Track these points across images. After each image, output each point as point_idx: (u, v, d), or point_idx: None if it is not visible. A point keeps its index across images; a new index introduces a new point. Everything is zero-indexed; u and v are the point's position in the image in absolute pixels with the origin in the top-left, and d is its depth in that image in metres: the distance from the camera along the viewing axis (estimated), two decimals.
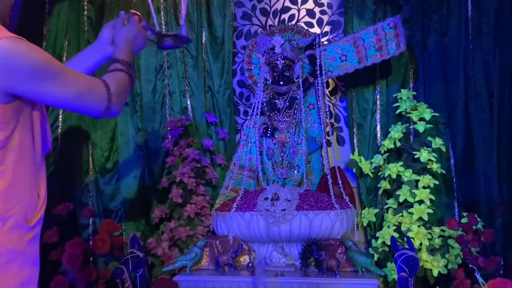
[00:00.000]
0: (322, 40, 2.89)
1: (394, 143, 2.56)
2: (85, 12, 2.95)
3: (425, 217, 2.37)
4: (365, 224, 2.63)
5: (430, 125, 2.56)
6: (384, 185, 2.55)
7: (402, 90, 2.64)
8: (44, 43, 2.88)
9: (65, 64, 1.43)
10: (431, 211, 2.39)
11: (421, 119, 2.56)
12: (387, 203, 2.54)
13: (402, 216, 2.42)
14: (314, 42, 2.68)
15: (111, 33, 1.44)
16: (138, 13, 1.47)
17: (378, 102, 2.79)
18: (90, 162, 2.90)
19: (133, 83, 1.34)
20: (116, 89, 1.23)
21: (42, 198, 1.19)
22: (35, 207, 1.15)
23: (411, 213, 2.40)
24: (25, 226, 1.12)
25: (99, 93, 1.19)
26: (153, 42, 1.50)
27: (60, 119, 2.89)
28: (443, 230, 2.39)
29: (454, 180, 2.62)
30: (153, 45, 1.50)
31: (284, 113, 2.69)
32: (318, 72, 2.62)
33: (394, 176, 2.49)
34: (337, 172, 2.50)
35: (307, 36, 2.80)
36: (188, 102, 2.97)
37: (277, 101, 2.71)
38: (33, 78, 1.06)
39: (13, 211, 1.08)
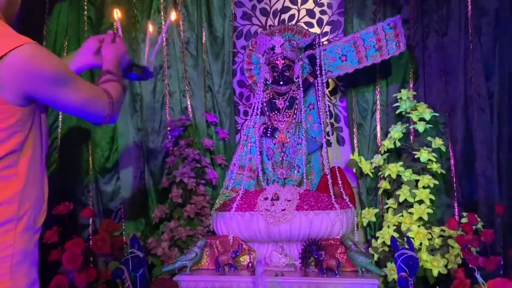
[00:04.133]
0: (322, 40, 2.89)
1: (394, 143, 2.56)
2: (85, 12, 2.95)
3: (425, 217, 2.37)
4: (365, 224, 2.63)
5: (430, 125, 2.56)
6: (384, 185, 2.55)
7: (402, 90, 2.64)
8: (44, 43, 2.88)
9: None
10: (431, 211, 2.39)
11: (421, 119, 2.56)
12: (387, 203, 2.54)
13: (402, 216, 2.42)
14: (314, 42, 2.69)
15: (95, 45, 1.49)
16: (120, 35, 1.55)
17: (378, 102, 2.79)
18: (90, 162, 2.90)
19: (125, 93, 1.41)
20: (115, 98, 1.30)
21: (46, 200, 1.21)
22: (41, 209, 1.18)
23: (411, 213, 2.40)
24: (34, 227, 1.14)
25: (103, 100, 1.26)
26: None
27: (60, 119, 2.89)
28: (443, 230, 2.39)
29: (454, 180, 2.62)
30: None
31: (284, 113, 2.69)
32: (318, 72, 2.62)
33: (394, 176, 2.49)
34: (337, 172, 2.50)
35: (307, 36, 2.79)
36: (188, 102, 2.97)
37: (277, 101, 2.71)
38: (51, 83, 1.12)
39: (25, 212, 1.11)
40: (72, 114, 1.30)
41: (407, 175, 2.46)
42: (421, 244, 2.35)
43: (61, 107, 1.24)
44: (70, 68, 1.23)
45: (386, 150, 2.59)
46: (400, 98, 2.63)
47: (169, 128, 2.85)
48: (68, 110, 1.25)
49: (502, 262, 2.12)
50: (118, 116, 1.36)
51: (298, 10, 3.05)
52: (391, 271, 2.34)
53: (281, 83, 2.68)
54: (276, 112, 2.71)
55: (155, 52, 1.62)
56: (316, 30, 2.99)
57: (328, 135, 2.70)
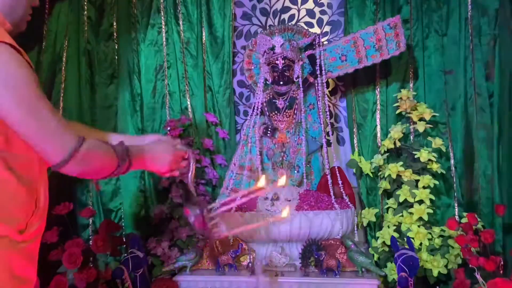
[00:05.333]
0: (322, 40, 2.89)
1: (394, 143, 2.56)
2: (85, 12, 2.94)
3: (425, 217, 2.37)
4: (365, 224, 2.63)
5: (430, 125, 2.56)
6: (384, 185, 2.55)
7: (402, 90, 2.65)
8: (44, 43, 2.88)
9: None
10: (431, 211, 2.39)
11: (421, 119, 2.56)
12: (387, 203, 2.54)
13: (402, 216, 2.42)
14: (314, 42, 2.68)
15: (156, 138, 1.39)
16: (196, 155, 1.40)
17: (378, 102, 2.79)
18: None
19: (118, 170, 1.18)
20: (88, 153, 1.10)
21: (41, 207, 1.15)
22: (32, 217, 1.12)
23: (411, 213, 2.40)
24: (18, 235, 1.09)
25: (64, 141, 1.07)
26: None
27: None
28: (443, 230, 2.39)
29: (454, 180, 2.62)
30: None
31: (284, 113, 2.69)
32: (318, 72, 2.62)
33: (394, 176, 2.49)
34: (337, 172, 2.50)
35: (307, 36, 2.79)
36: (188, 102, 2.97)
37: (277, 101, 2.71)
38: (2, 88, 1.00)
39: (3, 220, 1.06)
40: (24, 137, 1.07)
41: (407, 175, 2.46)
42: (421, 244, 2.35)
43: (12, 123, 1.03)
44: (36, 84, 1.06)
45: (386, 150, 2.59)
46: (400, 98, 2.63)
47: (169, 128, 2.84)
48: (19, 130, 1.05)
49: (502, 262, 2.12)
50: (83, 174, 1.14)
51: (298, 10, 3.05)
52: (391, 271, 2.34)
53: (281, 83, 2.68)
54: (276, 112, 2.71)
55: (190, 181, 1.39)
56: (316, 30, 2.99)
57: (328, 135, 2.70)
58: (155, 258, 2.59)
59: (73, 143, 1.08)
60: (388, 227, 2.45)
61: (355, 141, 2.81)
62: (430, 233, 2.38)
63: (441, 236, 2.39)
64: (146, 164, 1.30)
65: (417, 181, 2.46)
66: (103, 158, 1.15)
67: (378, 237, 2.48)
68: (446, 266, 2.31)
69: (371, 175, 2.67)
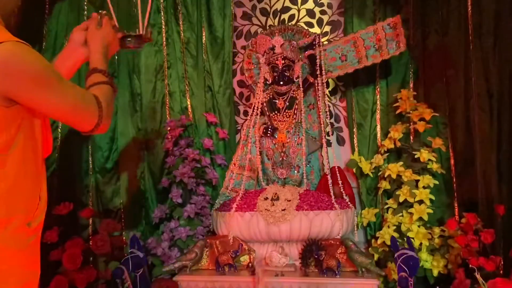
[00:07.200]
0: (322, 40, 2.89)
1: (394, 143, 2.56)
2: (85, 12, 2.95)
3: (425, 217, 2.37)
4: (365, 224, 2.63)
5: (430, 125, 2.56)
6: (384, 185, 2.55)
7: (402, 90, 2.65)
8: (44, 43, 2.88)
9: None
10: (431, 211, 2.39)
11: (421, 119, 2.56)
12: (387, 203, 2.54)
13: (402, 216, 2.42)
14: (314, 42, 2.68)
15: (82, 35, 1.39)
16: (107, 13, 1.43)
17: (378, 102, 2.79)
18: (90, 162, 2.90)
19: (115, 95, 1.31)
20: (106, 105, 1.20)
21: (44, 201, 1.18)
22: (37, 210, 1.15)
23: (411, 213, 2.40)
24: (27, 228, 1.11)
25: (92, 107, 1.17)
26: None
27: None
28: (443, 230, 2.39)
29: (454, 180, 2.62)
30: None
31: (284, 113, 2.69)
32: (318, 72, 2.62)
33: (394, 176, 2.49)
34: (337, 172, 2.50)
35: (307, 36, 2.79)
36: (188, 102, 2.97)
37: (277, 101, 2.71)
38: (32, 84, 1.05)
39: (14, 214, 1.08)
40: (59, 120, 1.20)
41: (407, 175, 2.46)
42: (421, 244, 2.35)
43: (46, 111, 1.14)
44: (55, 69, 1.15)
45: (386, 150, 2.59)
46: (400, 98, 2.63)
47: (169, 128, 2.84)
48: (54, 115, 1.16)
49: (502, 262, 2.12)
50: (109, 125, 1.25)
51: (298, 10, 3.05)
52: (391, 271, 2.34)
53: (281, 83, 2.67)
54: (276, 112, 2.71)
55: (147, 16, 1.53)
56: (316, 30, 2.99)
57: (328, 135, 2.70)
58: (155, 258, 2.59)
59: (96, 105, 1.18)
60: (388, 227, 2.45)
61: (355, 141, 2.81)
62: (430, 233, 2.38)
63: (441, 236, 2.39)
64: (108, 59, 1.38)
65: (417, 181, 2.46)
66: (110, 98, 1.26)
67: (378, 237, 2.48)
68: (446, 266, 2.31)
69: (371, 175, 2.67)
